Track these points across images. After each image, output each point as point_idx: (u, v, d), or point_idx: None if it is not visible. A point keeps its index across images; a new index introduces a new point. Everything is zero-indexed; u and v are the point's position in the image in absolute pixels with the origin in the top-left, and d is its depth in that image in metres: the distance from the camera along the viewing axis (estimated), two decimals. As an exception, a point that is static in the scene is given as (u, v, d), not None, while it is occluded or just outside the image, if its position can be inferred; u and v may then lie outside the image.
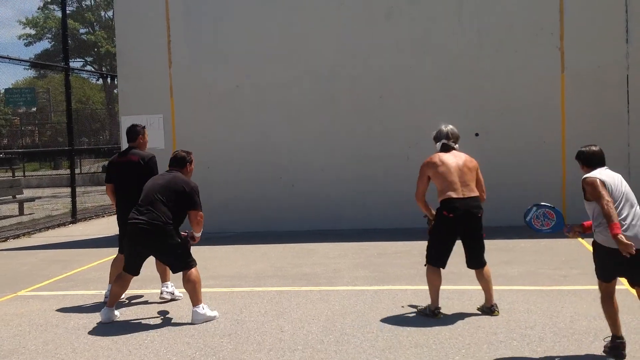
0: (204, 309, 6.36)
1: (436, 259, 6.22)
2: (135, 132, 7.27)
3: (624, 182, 4.98)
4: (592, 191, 4.85)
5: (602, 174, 4.96)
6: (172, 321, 6.43)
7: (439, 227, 6.20)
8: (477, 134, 11.13)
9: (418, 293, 7.00)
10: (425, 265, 6.29)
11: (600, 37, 10.93)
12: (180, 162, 6.68)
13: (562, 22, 11.00)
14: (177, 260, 6.43)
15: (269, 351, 5.45)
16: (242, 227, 11.80)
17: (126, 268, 6.50)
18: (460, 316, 6.20)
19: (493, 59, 11.24)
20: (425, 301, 6.44)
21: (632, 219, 4.81)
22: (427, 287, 6.28)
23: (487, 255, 6.88)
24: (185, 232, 6.51)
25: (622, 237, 4.64)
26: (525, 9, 11.14)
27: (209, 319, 6.35)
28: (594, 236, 4.99)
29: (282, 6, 11.85)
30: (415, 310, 6.44)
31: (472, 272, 6.43)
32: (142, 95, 12.25)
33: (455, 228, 6.16)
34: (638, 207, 4.91)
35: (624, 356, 4.95)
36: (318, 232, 11.39)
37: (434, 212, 6.26)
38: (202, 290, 6.60)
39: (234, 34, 11.95)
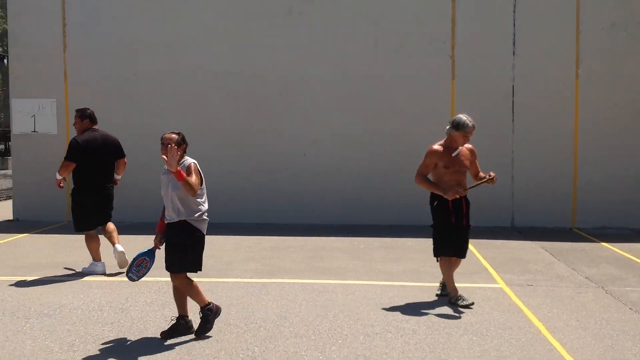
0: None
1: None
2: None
3: None
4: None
5: None
6: (53, 306, 6.31)
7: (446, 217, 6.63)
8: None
9: (305, 287, 7.20)
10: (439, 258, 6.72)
11: (489, 48, 11.52)
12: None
13: (454, 32, 11.52)
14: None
15: (152, 339, 5.49)
16: (132, 217, 11.57)
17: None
18: (343, 310, 6.44)
19: (388, 64, 11.61)
20: (315, 294, 6.67)
21: None
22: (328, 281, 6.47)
23: (376, 253, 7.29)
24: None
25: None
26: (420, 18, 11.58)
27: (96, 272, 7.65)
28: None
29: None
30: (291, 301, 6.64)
31: (360, 268, 6.76)
32: (34, 78, 11.86)
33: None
34: None
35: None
36: (213, 225, 11.31)
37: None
38: (90, 279, 6.70)
39: (131, 21, 11.76)
